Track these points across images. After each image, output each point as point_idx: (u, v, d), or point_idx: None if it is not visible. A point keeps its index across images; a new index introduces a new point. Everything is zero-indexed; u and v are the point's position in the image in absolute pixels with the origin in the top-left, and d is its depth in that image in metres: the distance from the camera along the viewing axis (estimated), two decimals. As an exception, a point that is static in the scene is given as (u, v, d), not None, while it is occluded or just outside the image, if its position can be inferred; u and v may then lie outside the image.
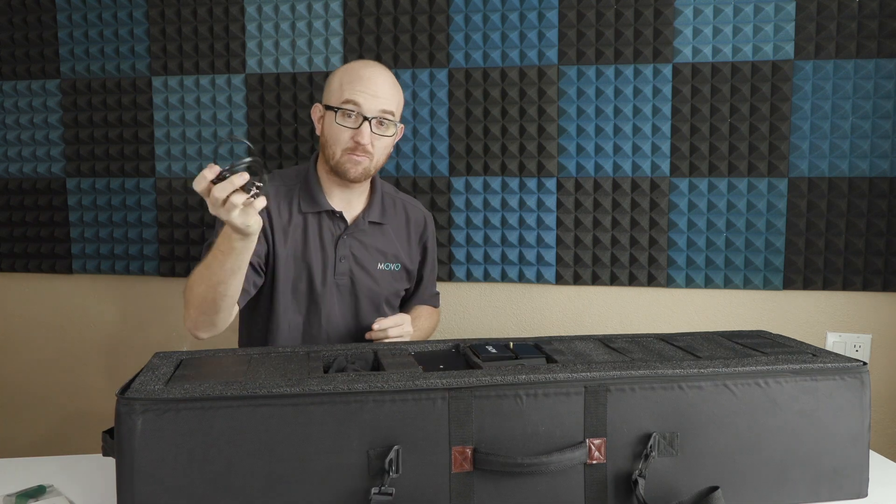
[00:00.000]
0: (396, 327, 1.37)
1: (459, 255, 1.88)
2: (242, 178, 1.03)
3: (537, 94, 1.79)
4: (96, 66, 1.97)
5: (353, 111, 1.36)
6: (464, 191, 1.85)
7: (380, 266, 1.48)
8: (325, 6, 1.85)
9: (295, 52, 1.87)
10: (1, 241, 2.08)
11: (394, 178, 1.86)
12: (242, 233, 1.11)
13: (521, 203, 1.84)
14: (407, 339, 1.38)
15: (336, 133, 1.38)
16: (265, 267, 1.43)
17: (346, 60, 1.86)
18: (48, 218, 2.05)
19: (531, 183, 1.82)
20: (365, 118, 1.36)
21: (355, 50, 1.85)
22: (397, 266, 1.51)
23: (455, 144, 1.84)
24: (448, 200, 1.86)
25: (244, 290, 1.35)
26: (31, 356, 2.12)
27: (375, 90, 1.37)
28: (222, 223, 1.15)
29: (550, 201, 1.82)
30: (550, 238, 1.83)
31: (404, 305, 1.62)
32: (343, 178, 1.41)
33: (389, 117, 1.39)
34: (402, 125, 1.49)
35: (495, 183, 1.84)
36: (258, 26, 1.88)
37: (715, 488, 0.94)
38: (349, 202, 1.47)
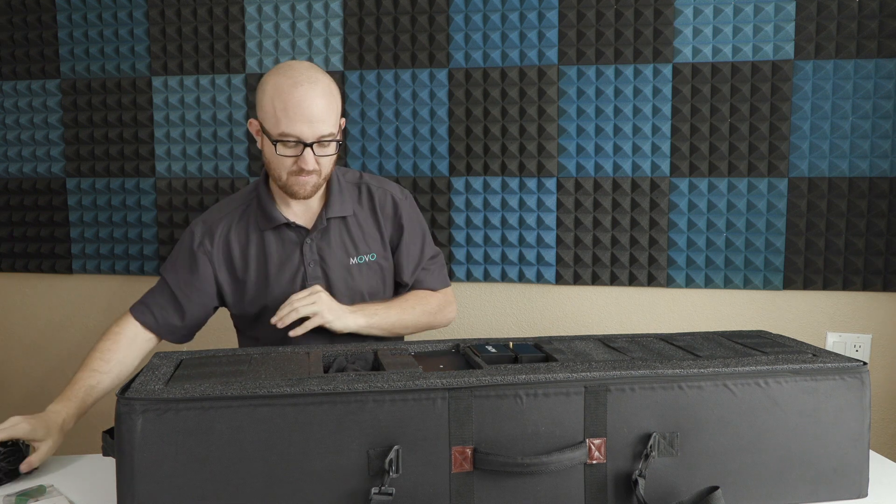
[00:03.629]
0: (303, 299, 1.30)
1: (459, 255, 1.88)
2: None
3: (537, 94, 1.79)
4: (96, 66, 1.97)
5: (293, 141, 1.32)
6: (464, 191, 1.85)
7: (352, 261, 1.44)
8: (325, 6, 1.85)
9: (295, 52, 1.87)
10: (1, 241, 2.08)
11: (394, 177, 1.86)
12: None
13: (521, 203, 1.84)
14: (324, 310, 1.31)
15: (280, 162, 1.34)
16: (209, 307, 1.47)
17: (346, 61, 1.86)
18: (48, 218, 2.05)
19: (531, 183, 1.82)
20: (306, 145, 1.32)
21: (355, 50, 1.85)
22: (372, 256, 1.45)
23: (455, 144, 1.84)
24: (448, 200, 1.86)
25: (183, 333, 1.46)
26: (31, 356, 2.12)
27: (310, 115, 1.30)
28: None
29: (550, 201, 1.82)
30: (550, 238, 1.83)
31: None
32: (294, 198, 1.39)
33: (328, 138, 1.34)
34: (342, 120, 1.41)
35: (495, 183, 1.84)
36: (258, 26, 1.88)
37: (715, 488, 0.94)
38: (307, 206, 1.44)
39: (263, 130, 1.35)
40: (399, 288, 1.52)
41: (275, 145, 1.32)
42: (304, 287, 1.40)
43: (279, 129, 1.31)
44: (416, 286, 1.51)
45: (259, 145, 1.40)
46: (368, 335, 1.39)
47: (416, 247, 1.50)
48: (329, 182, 1.44)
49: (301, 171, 1.33)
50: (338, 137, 1.37)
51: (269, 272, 1.42)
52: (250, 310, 1.44)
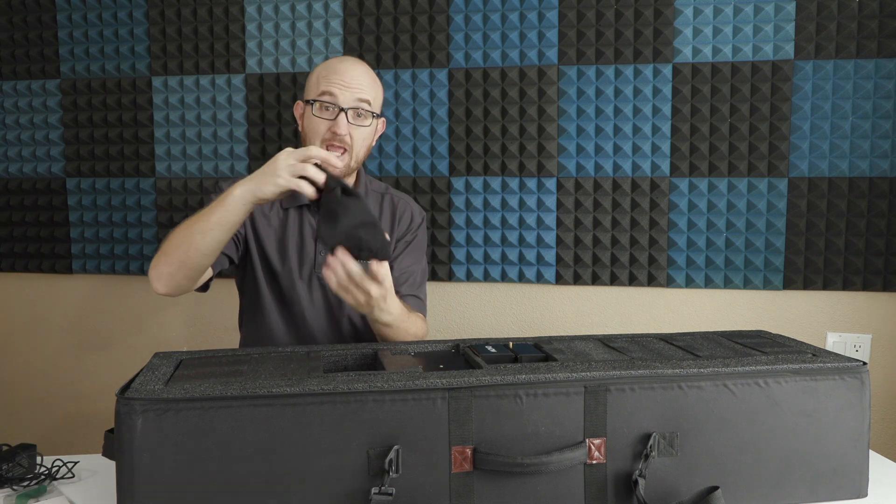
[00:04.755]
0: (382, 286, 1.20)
1: (459, 255, 1.88)
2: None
3: (537, 94, 1.79)
4: (96, 66, 1.97)
5: (330, 103, 1.38)
6: (464, 191, 1.85)
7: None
8: (325, 6, 1.85)
9: (295, 52, 1.87)
10: (1, 241, 2.08)
11: (394, 177, 1.86)
12: (262, 199, 1.19)
13: (521, 203, 1.83)
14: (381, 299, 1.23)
15: (314, 125, 1.40)
16: (238, 251, 1.46)
17: (346, 60, 1.86)
18: (48, 218, 2.05)
19: (531, 183, 1.82)
20: (341, 109, 1.38)
21: (355, 50, 1.85)
22: None
23: (455, 144, 1.84)
24: (448, 200, 1.86)
25: (218, 259, 1.39)
26: (31, 356, 2.12)
27: (350, 81, 1.39)
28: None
29: (550, 201, 1.82)
30: (550, 238, 1.83)
31: None
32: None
33: (365, 107, 1.40)
34: (382, 118, 1.50)
35: (495, 183, 1.84)
36: (258, 26, 1.88)
37: (715, 488, 0.94)
38: None
39: (305, 103, 1.41)
40: None
41: (313, 105, 1.38)
42: (311, 271, 1.45)
43: (319, 89, 1.39)
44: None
45: (300, 128, 1.46)
46: (379, 321, 1.30)
47: (414, 265, 1.53)
48: (357, 181, 1.50)
49: (334, 138, 1.38)
50: (375, 113, 1.42)
51: (285, 248, 1.45)
52: (259, 277, 1.46)
